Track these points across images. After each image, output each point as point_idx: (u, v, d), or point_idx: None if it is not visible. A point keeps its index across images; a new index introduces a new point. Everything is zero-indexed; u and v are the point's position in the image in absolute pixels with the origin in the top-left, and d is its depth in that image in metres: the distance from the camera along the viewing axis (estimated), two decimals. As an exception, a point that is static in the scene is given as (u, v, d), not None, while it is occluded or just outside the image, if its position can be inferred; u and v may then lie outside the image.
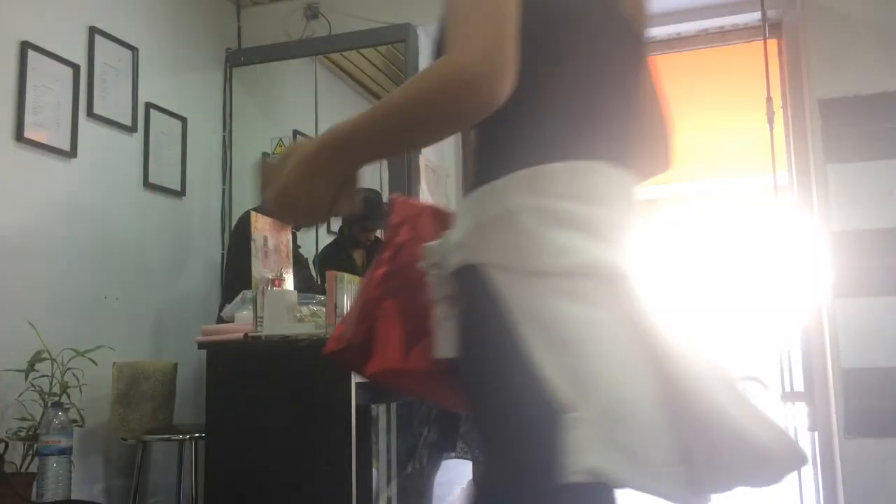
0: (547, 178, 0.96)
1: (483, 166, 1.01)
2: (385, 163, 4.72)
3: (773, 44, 3.51)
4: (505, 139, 1.00)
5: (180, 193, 3.61)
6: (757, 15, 3.40)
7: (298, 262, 3.09)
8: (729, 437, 0.93)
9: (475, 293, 0.95)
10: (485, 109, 0.88)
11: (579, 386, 0.88)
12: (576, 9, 1.06)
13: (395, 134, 0.93)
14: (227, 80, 3.96)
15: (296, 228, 3.07)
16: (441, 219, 1.16)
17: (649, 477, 0.89)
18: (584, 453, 0.85)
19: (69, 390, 2.61)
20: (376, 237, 3.68)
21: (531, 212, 0.95)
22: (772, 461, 0.99)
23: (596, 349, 0.91)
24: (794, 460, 1.00)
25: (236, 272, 3.06)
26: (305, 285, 3.13)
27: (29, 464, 2.49)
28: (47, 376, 2.61)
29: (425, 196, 3.66)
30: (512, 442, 0.93)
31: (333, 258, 3.51)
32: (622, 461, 0.87)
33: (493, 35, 0.88)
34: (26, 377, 2.57)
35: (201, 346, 2.48)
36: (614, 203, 1.01)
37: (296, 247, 3.24)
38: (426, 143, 1.01)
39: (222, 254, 3.78)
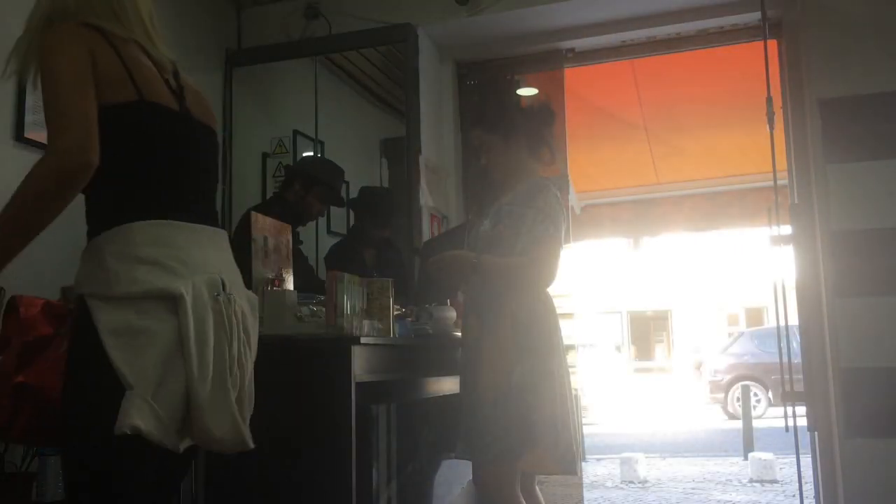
0: (127, 232, 1.46)
1: (91, 227, 1.54)
2: (385, 163, 4.73)
3: (773, 44, 3.51)
4: (103, 207, 1.51)
5: (180, 193, 3.60)
6: (757, 15, 3.40)
7: (298, 258, 3.10)
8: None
9: (79, 314, 1.45)
10: (81, 185, 1.41)
11: (137, 372, 1.38)
12: (152, 125, 1.54)
13: (25, 227, 1.46)
14: (227, 80, 3.96)
15: None
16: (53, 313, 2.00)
17: (165, 434, 1.40)
18: (131, 416, 1.35)
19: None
20: (389, 234, 3.66)
21: (114, 256, 1.44)
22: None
23: (151, 347, 1.40)
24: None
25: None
26: (307, 278, 3.13)
27: (29, 464, 2.49)
28: (47, 376, 2.60)
29: (425, 196, 3.66)
30: (86, 412, 1.41)
31: (343, 257, 3.50)
32: (154, 423, 1.38)
33: (82, 134, 1.38)
34: (26, 377, 2.56)
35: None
36: (183, 247, 1.49)
37: (297, 243, 3.24)
38: (46, 223, 1.46)
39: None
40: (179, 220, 1.53)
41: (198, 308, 1.45)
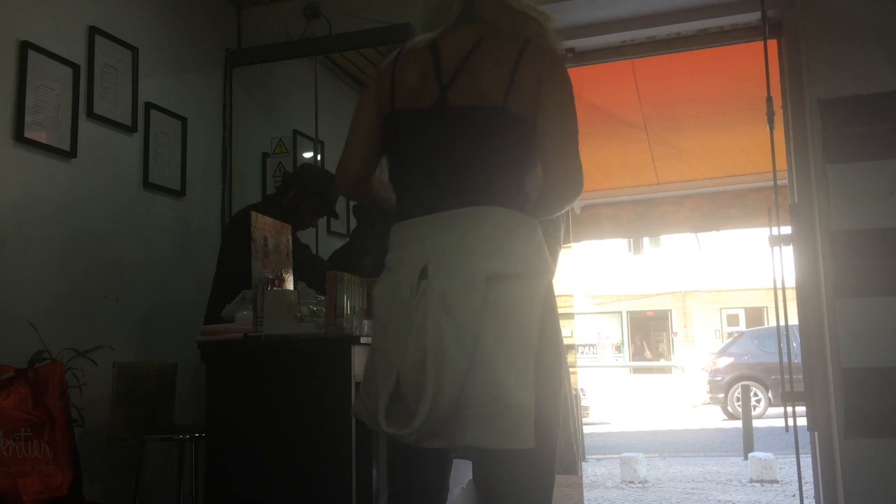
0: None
1: None
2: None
3: (773, 44, 3.51)
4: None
5: (180, 193, 3.61)
6: (757, 15, 3.40)
7: (298, 243, 3.10)
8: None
9: None
10: (345, 197, 1.86)
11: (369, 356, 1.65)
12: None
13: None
14: (227, 80, 3.96)
15: None
16: None
17: (369, 418, 1.59)
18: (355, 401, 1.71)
19: (69, 390, 2.61)
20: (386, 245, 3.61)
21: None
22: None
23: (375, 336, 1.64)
24: None
25: (230, 272, 3.05)
26: (310, 262, 3.15)
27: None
28: (47, 376, 2.61)
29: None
30: None
31: (342, 263, 3.48)
32: (362, 408, 1.63)
33: (342, 158, 1.82)
34: (26, 377, 2.57)
35: (201, 346, 2.48)
36: (404, 245, 1.62)
37: (304, 247, 3.25)
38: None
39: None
40: (412, 215, 1.62)
41: (387, 306, 1.60)
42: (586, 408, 11.02)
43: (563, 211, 1.67)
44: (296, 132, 4.16)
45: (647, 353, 21.93)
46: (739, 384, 10.96)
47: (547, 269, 1.59)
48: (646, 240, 21.05)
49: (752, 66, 3.51)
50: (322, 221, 3.99)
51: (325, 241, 4.04)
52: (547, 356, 1.55)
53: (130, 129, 3.33)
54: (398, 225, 1.64)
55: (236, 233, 2.98)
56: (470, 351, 1.46)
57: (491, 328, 1.47)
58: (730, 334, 18.14)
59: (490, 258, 1.51)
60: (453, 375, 1.45)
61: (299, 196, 3.26)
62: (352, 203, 3.83)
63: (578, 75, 4.16)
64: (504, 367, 1.46)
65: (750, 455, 6.65)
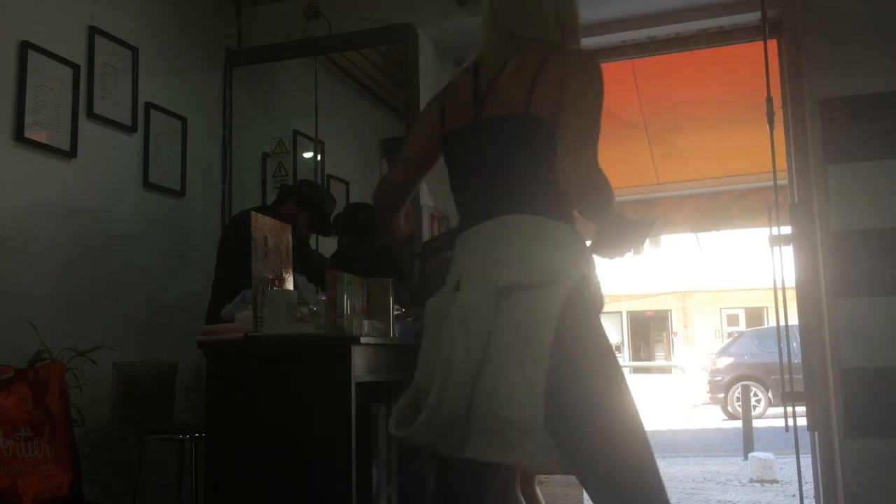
0: None
1: None
2: (385, 163, 4.73)
3: (773, 44, 3.50)
4: None
5: (180, 193, 3.61)
6: (757, 15, 3.40)
7: (313, 255, 3.11)
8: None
9: None
10: (377, 206, 1.84)
11: None
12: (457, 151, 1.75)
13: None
14: (227, 80, 3.96)
15: None
16: None
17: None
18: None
19: (69, 390, 2.61)
20: (377, 248, 3.60)
21: None
22: None
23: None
24: None
25: (229, 272, 3.05)
26: (309, 256, 3.16)
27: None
28: (47, 376, 2.60)
29: (425, 196, 3.66)
30: None
31: (337, 267, 3.49)
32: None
33: (388, 171, 1.89)
34: (26, 377, 2.56)
35: (201, 345, 2.48)
36: (456, 260, 1.65)
37: (305, 247, 3.25)
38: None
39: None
40: (463, 229, 1.67)
41: (433, 320, 1.62)
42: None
43: (599, 212, 1.58)
44: (296, 132, 4.16)
45: (648, 354, 21.93)
46: (739, 384, 10.95)
47: (571, 276, 1.54)
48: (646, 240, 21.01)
49: (752, 66, 3.51)
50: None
51: (326, 241, 4.03)
52: (576, 363, 1.49)
53: (130, 129, 3.33)
54: (457, 239, 1.69)
55: (236, 232, 2.98)
56: (478, 363, 1.48)
57: (500, 341, 1.49)
58: (730, 334, 18.14)
59: (505, 269, 1.53)
60: (457, 385, 1.48)
61: (297, 206, 3.29)
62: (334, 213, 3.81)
63: (578, 75, 4.19)
64: (510, 380, 1.47)
65: (750, 455, 6.64)
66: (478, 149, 1.67)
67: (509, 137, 1.63)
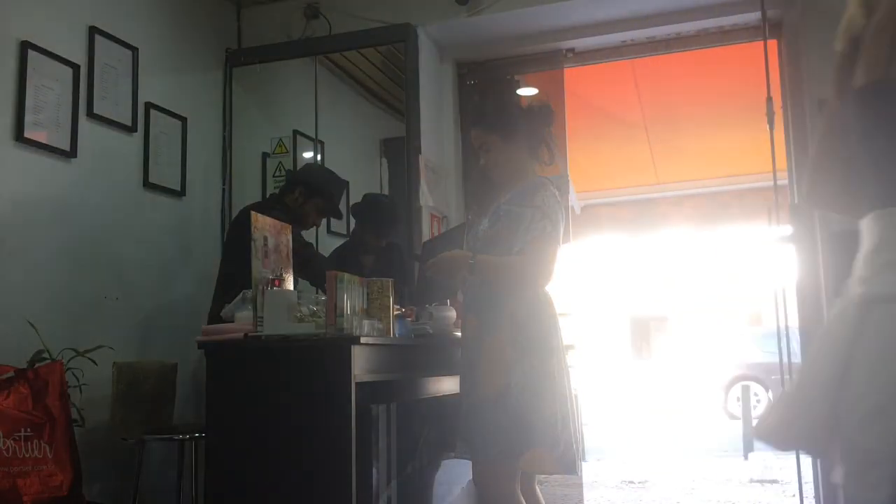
0: None
1: None
2: (385, 163, 4.73)
3: (773, 44, 3.51)
4: None
5: (180, 193, 3.61)
6: (757, 15, 3.40)
7: (302, 241, 3.11)
8: None
9: None
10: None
11: None
12: None
13: None
14: (227, 80, 3.96)
15: None
16: None
17: None
18: None
19: (69, 390, 2.62)
20: (389, 242, 3.60)
21: None
22: None
23: None
24: None
25: (232, 270, 3.05)
26: (312, 260, 3.16)
27: None
28: (47, 376, 2.61)
29: (425, 196, 3.66)
30: None
31: (342, 261, 3.48)
32: None
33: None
34: (26, 377, 2.57)
35: (201, 345, 2.48)
36: None
37: (301, 238, 3.26)
38: None
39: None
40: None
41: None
42: (586, 408, 11.02)
43: None
44: (296, 132, 4.16)
45: (648, 355, 21.93)
46: (739, 384, 10.95)
47: None
48: (646, 240, 21.04)
49: (752, 66, 3.51)
50: (323, 221, 4.00)
51: (326, 241, 4.04)
52: None
53: (130, 129, 3.33)
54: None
55: (241, 231, 2.98)
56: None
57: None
58: (730, 334, 18.12)
59: None
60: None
61: (304, 195, 3.25)
62: (351, 203, 3.83)
63: (578, 75, 4.20)
64: None
65: (750, 455, 6.64)
66: None
67: None
